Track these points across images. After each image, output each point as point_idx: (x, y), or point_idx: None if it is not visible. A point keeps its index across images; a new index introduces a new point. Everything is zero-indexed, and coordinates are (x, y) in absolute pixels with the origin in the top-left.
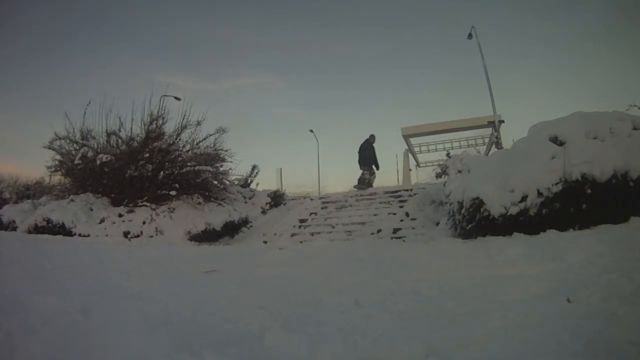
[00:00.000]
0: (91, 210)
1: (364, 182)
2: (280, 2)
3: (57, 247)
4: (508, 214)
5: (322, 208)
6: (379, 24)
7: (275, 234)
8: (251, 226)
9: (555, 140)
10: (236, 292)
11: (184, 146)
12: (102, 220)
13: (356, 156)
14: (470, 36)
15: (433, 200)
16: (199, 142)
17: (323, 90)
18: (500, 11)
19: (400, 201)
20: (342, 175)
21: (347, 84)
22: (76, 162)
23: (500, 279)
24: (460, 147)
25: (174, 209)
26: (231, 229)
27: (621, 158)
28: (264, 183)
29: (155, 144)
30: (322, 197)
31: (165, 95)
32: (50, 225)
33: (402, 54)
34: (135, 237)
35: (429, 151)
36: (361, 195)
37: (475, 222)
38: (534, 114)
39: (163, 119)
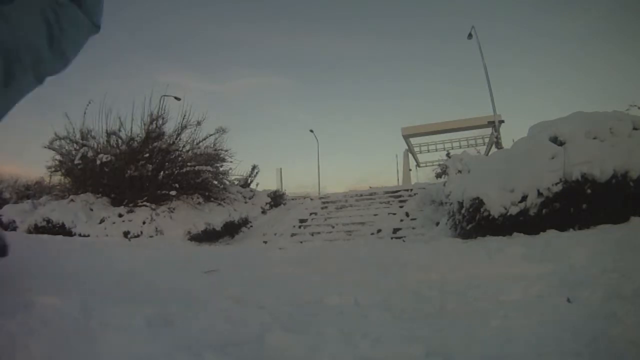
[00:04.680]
0: (91, 210)
1: None
2: (280, 2)
3: (57, 247)
4: (508, 214)
5: (322, 208)
6: (379, 24)
7: (275, 234)
8: (251, 226)
9: (555, 140)
10: (236, 292)
11: (184, 146)
12: (102, 220)
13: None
14: (470, 36)
15: (433, 200)
16: (199, 142)
17: (323, 90)
18: (500, 11)
19: (400, 201)
20: (342, 176)
21: (347, 84)
22: (76, 162)
23: (501, 279)
24: (460, 147)
25: (174, 209)
26: (231, 229)
27: (621, 158)
28: (264, 183)
29: (155, 144)
30: (322, 197)
31: (165, 95)
32: (50, 225)
33: (403, 54)
34: (135, 237)
35: (429, 151)
36: (361, 195)
37: (475, 222)
38: (534, 114)
39: (163, 119)
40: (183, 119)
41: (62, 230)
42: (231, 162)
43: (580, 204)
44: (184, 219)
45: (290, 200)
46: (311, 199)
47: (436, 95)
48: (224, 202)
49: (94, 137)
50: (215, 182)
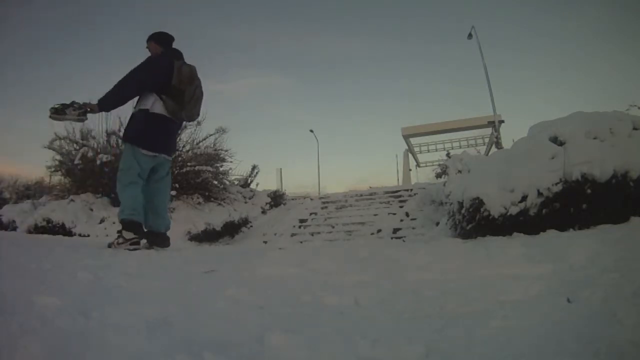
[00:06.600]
0: (91, 210)
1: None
2: (280, 3)
3: (57, 247)
4: (508, 214)
5: (322, 208)
6: (380, 24)
7: (275, 234)
8: (251, 226)
9: (555, 140)
10: (236, 292)
11: (183, 146)
12: (102, 220)
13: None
14: (470, 36)
15: (433, 200)
16: (199, 142)
17: (323, 90)
18: (500, 11)
19: (400, 201)
20: (342, 176)
21: (347, 84)
22: (76, 162)
23: (501, 279)
24: (460, 147)
25: (174, 209)
26: (231, 229)
27: (621, 158)
28: (264, 183)
29: None
30: (322, 197)
31: None
32: (50, 225)
33: (403, 54)
34: None
35: (429, 151)
36: (361, 195)
37: (475, 222)
38: (534, 114)
39: None
40: None
41: (62, 230)
42: (231, 162)
43: (580, 204)
44: (184, 219)
45: (290, 200)
46: (311, 199)
47: (436, 95)
48: (224, 202)
49: (94, 137)
50: (215, 182)
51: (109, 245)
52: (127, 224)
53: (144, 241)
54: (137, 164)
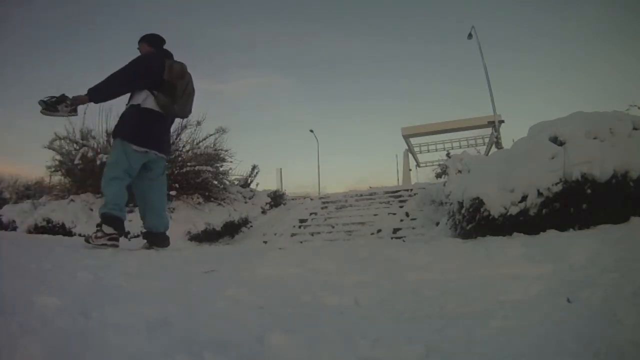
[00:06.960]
0: (91, 210)
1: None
2: (280, 3)
3: (57, 247)
4: (508, 214)
5: (322, 208)
6: (380, 24)
7: (275, 234)
8: (251, 226)
9: (555, 140)
10: (236, 292)
11: (183, 146)
12: None
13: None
14: (470, 36)
15: (433, 200)
16: (199, 142)
17: (323, 90)
18: (500, 11)
19: (400, 201)
20: (342, 176)
21: (347, 84)
22: (76, 162)
23: (501, 279)
24: (460, 147)
25: (173, 209)
26: (231, 229)
27: (621, 158)
28: (264, 183)
29: None
30: (322, 197)
31: None
32: (50, 225)
33: (403, 54)
34: (135, 237)
35: (429, 151)
36: (361, 195)
37: (475, 222)
38: (534, 114)
39: None
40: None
41: (62, 230)
42: (231, 162)
43: (580, 204)
44: (184, 219)
45: (290, 200)
46: (311, 199)
47: (436, 95)
48: (224, 202)
49: (94, 137)
50: (215, 182)
51: (87, 240)
52: (108, 219)
53: (144, 242)
54: (126, 160)
